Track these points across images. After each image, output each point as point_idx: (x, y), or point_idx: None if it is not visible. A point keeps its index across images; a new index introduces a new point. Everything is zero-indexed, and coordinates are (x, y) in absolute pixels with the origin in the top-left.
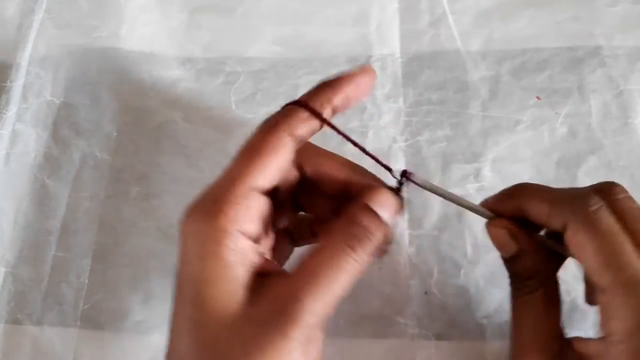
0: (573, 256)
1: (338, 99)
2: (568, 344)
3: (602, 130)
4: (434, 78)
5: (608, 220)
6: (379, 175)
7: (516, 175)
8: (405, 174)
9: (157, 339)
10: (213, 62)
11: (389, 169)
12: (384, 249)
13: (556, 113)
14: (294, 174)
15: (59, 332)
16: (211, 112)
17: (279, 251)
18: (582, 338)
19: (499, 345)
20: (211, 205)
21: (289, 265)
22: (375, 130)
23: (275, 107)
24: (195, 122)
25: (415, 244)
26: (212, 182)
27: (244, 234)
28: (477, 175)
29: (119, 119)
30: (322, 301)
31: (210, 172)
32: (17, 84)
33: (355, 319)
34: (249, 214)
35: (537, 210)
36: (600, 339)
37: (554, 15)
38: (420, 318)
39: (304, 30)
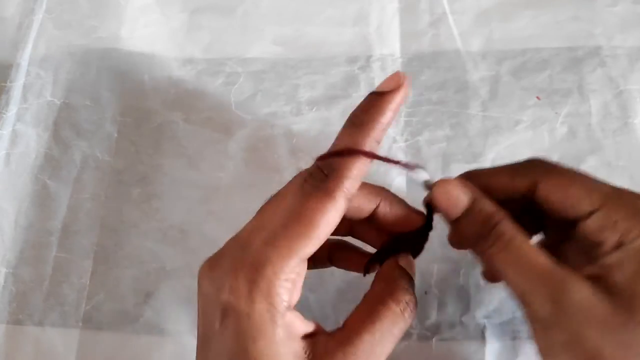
0: (541, 207)
1: (383, 131)
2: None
3: (602, 130)
4: (434, 78)
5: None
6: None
7: None
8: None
9: (158, 340)
10: (213, 62)
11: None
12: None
13: (556, 113)
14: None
15: (60, 332)
16: (211, 113)
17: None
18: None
19: (499, 345)
20: (263, 283)
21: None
22: None
23: (275, 107)
24: (196, 123)
25: None
26: (256, 245)
27: (290, 306)
28: None
29: (120, 120)
30: None
31: (210, 173)
32: (17, 84)
33: None
34: (295, 286)
35: (498, 180)
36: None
37: (554, 15)
38: (420, 318)
39: (304, 30)
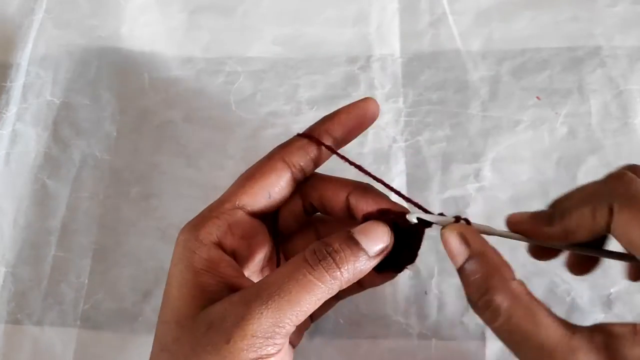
0: (619, 241)
1: (337, 130)
2: (588, 329)
3: (602, 130)
4: (434, 78)
5: None
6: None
7: (516, 175)
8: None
9: None
10: (213, 62)
11: (410, 201)
12: (355, 278)
13: (556, 113)
14: (298, 204)
15: (59, 332)
16: (211, 112)
17: None
18: (610, 323)
19: (499, 345)
20: (198, 219)
21: None
22: (375, 130)
23: (275, 107)
24: (195, 122)
25: None
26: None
27: (219, 245)
28: (477, 175)
29: (119, 119)
30: (271, 312)
31: (210, 172)
32: (17, 84)
33: (355, 319)
34: (228, 229)
35: (580, 214)
36: None
37: (554, 15)
38: (420, 318)
39: (304, 30)
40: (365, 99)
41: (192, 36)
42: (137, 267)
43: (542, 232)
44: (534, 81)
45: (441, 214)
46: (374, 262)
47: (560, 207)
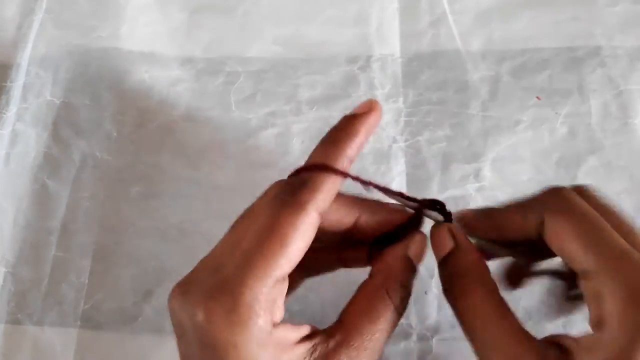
0: (550, 249)
1: (356, 151)
2: (545, 343)
3: (602, 130)
4: (434, 78)
5: (583, 205)
6: None
7: (516, 175)
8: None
9: (157, 340)
10: (213, 62)
11: (415, 200)
12: None
13: (556, 113)
14: None
15: (59, 332)
16: (211, 112)
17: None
18: (565, 335)
19: None
20: (243, 310)
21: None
22: (375, 130)
23: (275, 107)
24: (196, 122)
25: None
26: (229, 269)
27: (275, 324)
28: (477, 175)
29: (119, 119)
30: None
31: (210, 172)
32: (17, 84)
33: None
34: (277, 304)
35: (512, 218)
36: (591, 326)
37: (554, 15)
38: (420, 318)
39: (304, 30)
40: (372, 106)
41: (192, 36)
42: (137, 267)
43: (478, 225)
44: (534, 81)
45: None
46: None
47: (500, 208)
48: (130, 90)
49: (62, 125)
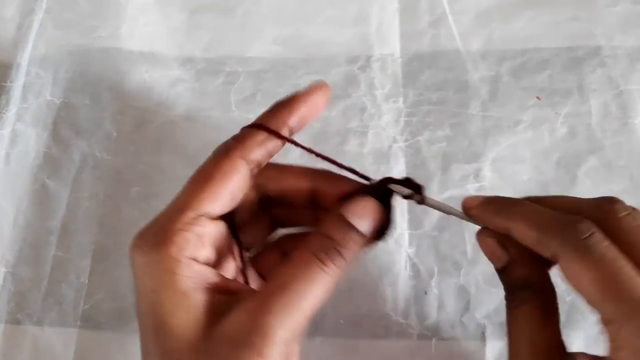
0: (569, 286)
1: (294, 119)
2: (570, 357)
3: (602, 130)
4: (434, 78)
5: (602, 246)
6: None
7: (516, 175)
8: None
9: None
10: (213, 62)
11: (367, 178)
12: (360, 256)
13: (556, 113)
14: (252, 196)
15: (59, 332)
16: (211, 112)
17: (271, 269)
18: (587, 354)
19: (499, 345)
20: (160, 234)
21: None
22: (375, 130)
23: None
24: (195, 122)
25: (415, 244)
26: (162, 210)
27: (196, 259)
28: (477, 175)
29: (119, 119)
30: (295, 315)
31: None
32: (17, 84)
33: (355, 319)
34: (199, 240)
35: (524, 236)
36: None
37: (554, 15)
38: (420, 318)
39: (304, 30)
40: (319, 85)
41: (192, 36)
42: None
43: (487, 218)
44: (534, 81)
45: (407, 180)
46: (368, 239)
47: (514, 209)
48: (130, 90)
49: (62, 125)
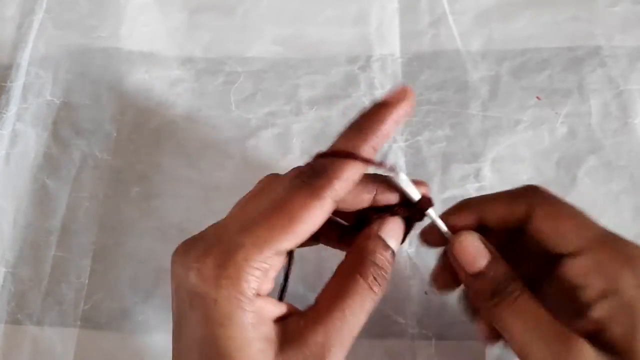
0: (537, 234)
1: (382, 140)
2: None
3: (602, 130)
4: (434, 78)
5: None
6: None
7: (516, 175)
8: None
9: (157, 339)
10: (213, 62)
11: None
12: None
13: (556, 113)
14: None
15: (59, 332)
16: (211, 112)
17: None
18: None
19: (499, 345)
20: (233, 269)
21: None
22: None
23: (275, 107)
24: (195, 122)
25: (415, 244)
26: (231, 230)
27: (260, 294)
28: (477, 175)
29: (119, 119)
30: (351, 339)
31: (210, 172)
32: (17, 84)
33: None
34: (266, 275)
35: (493, 208)
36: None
37: (554, 15)
38: (420, 318)
39: (304, 30)
40: (404, 92)
41: (192, 36)
42: (137, 267)
43: (459, 216)
44: (534, 81)
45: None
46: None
47: (475, 201)
48: (130, 90)
49: (62, 125)
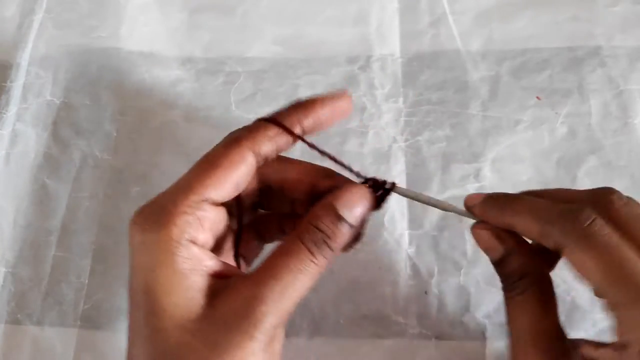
0: (575, 274)
1: (309, 120)
2: (572, 345)
3: (602, 130)
4: (434, 78)
5: (604, 233)
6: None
7: (516, 175)
8: (385, 185)
9: None
10: (213, 62)
11: (359, 175)
12: (351, 245)
13: (556, 113)
14: (254, 185)
15: (59, 332)
16: (211, 112)
17: (248, 249)
18: (590, 341)
19: (499, 345)
20: (162, 214)
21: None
22: (375, 130)
23: (275, 107)
24: (195, 122)
25: (415, 244)
26: (165, 190)
27: (195, 242)
28: (477, 175)
29: (119, 119)
30: (283, 302)
31: None
32: (17, 84)
33: (355, 319)
34: (200, 224)
35: (527, 230)
36: (613, 346)
37: (554, 15)
38: (420, 318)
39: (304, 30)
40: (341, 94)
41: (192, 36)
42: None
43: (490, 215)
44: (534, 81)
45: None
46: (356, 229)
47: (515, 204)
48: (130, 90)
49: (62, 125)
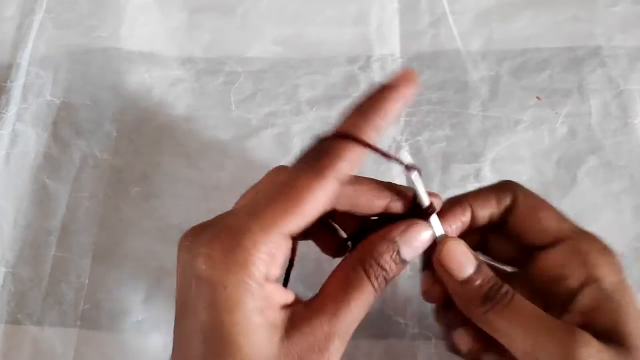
0: (518, 230)
1: (385, 122)
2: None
3: (602, 130)
4: (434, 78)
5: None
6: None
7: (516, 175)
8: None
9: (157, 339)
10: (213, 62)
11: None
12: None
13: (556, 113)
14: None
15: (59, 332)
16: (211, 112)
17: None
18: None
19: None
20: (239, 253)
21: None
22: None
23: (275, 107)
24: (195, 122)
25: None
26: (236, 212)
27: (269, 279)
28: (477, 175)
29: (119, 119)
30: (350, 334)
31: (210, 172)
32: (17, 84)
33: None
34: (274, 260)
35: (486, 197)
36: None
37: (554, 15)
38: (420, 318)
39: (304, 30)
40: (406, 75)
41: (192, 36)
42: (137, 267)
43: (455, 213)
44: (534, 81)
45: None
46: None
47: (467, 195)
48: (130, 90)
49: (62, 125)
